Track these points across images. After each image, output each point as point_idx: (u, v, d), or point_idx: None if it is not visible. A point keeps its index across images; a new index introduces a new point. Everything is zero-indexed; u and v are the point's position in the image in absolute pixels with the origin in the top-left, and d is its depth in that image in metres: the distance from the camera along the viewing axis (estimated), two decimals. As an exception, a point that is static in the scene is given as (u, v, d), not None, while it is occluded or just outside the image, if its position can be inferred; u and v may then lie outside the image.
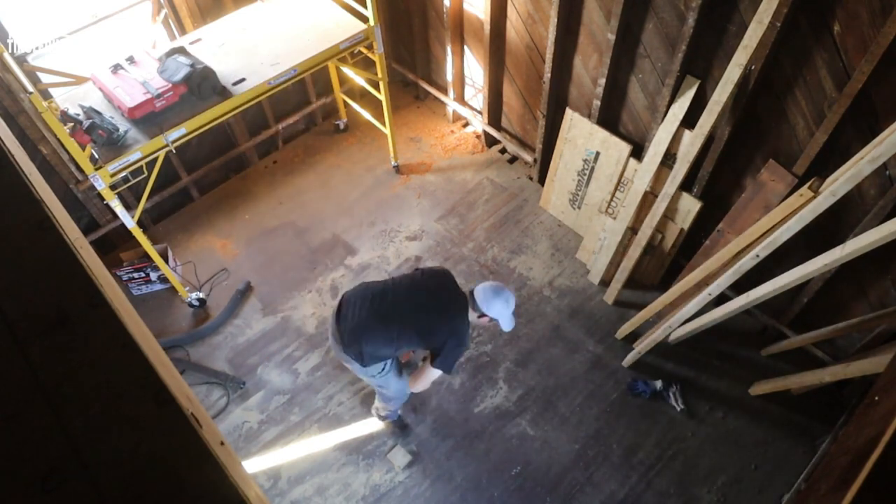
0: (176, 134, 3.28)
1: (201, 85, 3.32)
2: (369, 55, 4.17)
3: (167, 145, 3.27)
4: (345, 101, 5.04)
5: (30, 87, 2.77)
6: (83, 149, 3.08)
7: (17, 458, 0.66)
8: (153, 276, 4.11)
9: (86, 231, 4.23)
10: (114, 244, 4.43)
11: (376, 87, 4.41)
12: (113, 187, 3.22)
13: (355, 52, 4.07)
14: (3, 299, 0.78)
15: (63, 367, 0.73)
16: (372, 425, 3.58)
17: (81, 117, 3.08)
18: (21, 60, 3.27)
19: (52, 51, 3.49)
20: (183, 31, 3.97)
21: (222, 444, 0.84)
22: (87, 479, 0.64)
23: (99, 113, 3.17)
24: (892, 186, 2.71)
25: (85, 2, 3.57)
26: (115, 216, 4.31)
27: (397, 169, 4.87)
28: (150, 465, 0.67)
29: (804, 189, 2.66)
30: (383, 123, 4.60)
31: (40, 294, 0.80)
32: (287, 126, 4.95)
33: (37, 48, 3.43)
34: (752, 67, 2.83)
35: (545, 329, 3.94)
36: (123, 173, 3.21)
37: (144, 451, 0.68)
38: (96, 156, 3.19)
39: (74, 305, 0.78)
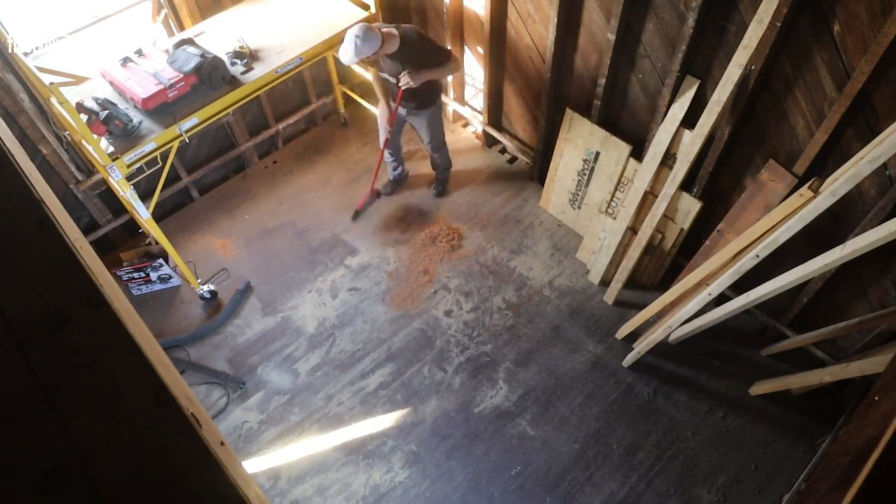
0: (189, 123, 3.31)
1: (212, 74, 3.35)
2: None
3: (181, 135, 3.30)
4: (345, 100, 5.04)
5: (46, 82, 2.78)
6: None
7: (17, 458, 0.65)
8: (153, 276, 4.11)
9: (86, 231, 4.23)
10: (114, 244, 4.43)
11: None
12: (128, 178, 3.25)
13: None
14: (3, 299, 0.78)
15: (63, 367, 0.73)
16: (372, 425, 3.59)
17: (97, 109, 3.11)
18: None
19: (52, 51, 3.50)
20: (182, 30, 3.97)
21: (222, 444, 0.84)
22: (87, 479, 0.64)
23: (114, 104, 3.20)
24: (892, 186, 2.71)
25: (85, 2, 3.57)
26: (115, 216, 4.32)
27: (397, 169, 4.86)
28: (150, 465, 0.67)
29: (804, 189, 2.65)
30: (383, 123, 4.60)
31: (40, 294, 0.80)
32: (287, 126, 4.95)
33: (37, 48, 3.43)
34: (752, 67, 2.83)
35: (545, 329, 3.94)
36: (139, 164, 3.23)
37: (144, 451, 0.68)
38: (111, 147, 3.21)
39: (74, 305, 0.78)
